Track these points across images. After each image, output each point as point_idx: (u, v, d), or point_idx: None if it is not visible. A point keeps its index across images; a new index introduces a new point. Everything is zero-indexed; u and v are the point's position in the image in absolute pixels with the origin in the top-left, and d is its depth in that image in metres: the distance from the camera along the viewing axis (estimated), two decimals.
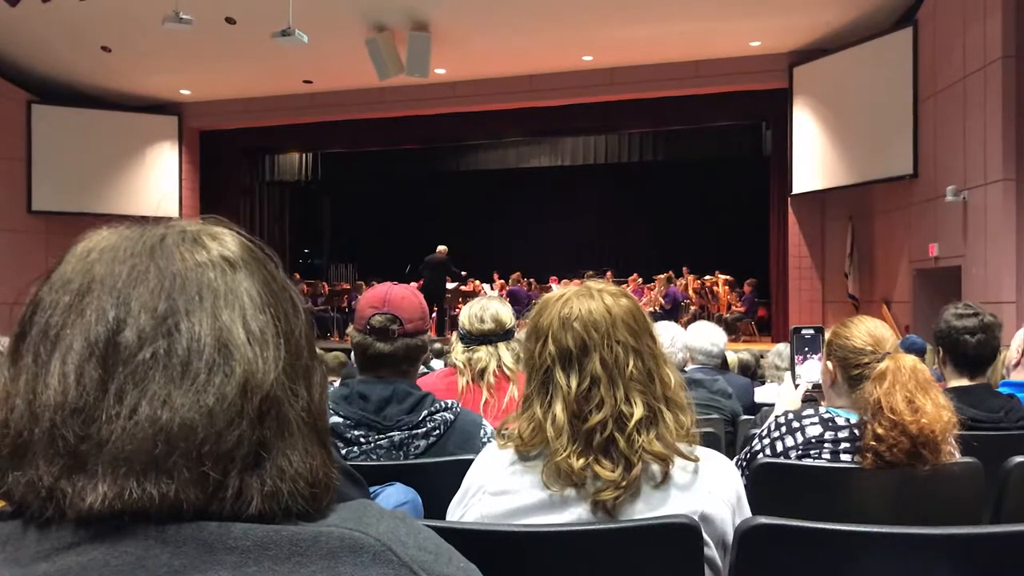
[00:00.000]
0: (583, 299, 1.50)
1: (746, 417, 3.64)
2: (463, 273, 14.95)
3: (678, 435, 1.44)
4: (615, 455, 1.40)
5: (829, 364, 2.24)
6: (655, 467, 1.41)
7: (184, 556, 0.62)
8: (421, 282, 13.50)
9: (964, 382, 2.74)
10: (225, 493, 0.64)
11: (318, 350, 0.78)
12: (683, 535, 1.36)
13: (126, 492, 0.62)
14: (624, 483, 1.38)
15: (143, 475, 0.62)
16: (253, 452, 0.66)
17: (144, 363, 0.64)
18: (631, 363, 1.44)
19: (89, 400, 0.63)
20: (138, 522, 0.62)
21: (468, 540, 1.35)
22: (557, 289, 1.59)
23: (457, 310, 12.16)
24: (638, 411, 1.41)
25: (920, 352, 4.85)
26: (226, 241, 0.74)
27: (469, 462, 1.61)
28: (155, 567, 0.61)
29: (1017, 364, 3.15)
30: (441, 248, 14.09)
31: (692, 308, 14.23)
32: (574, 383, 1.43)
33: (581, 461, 1.39)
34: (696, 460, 1.45)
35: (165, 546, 0.62)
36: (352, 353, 2.32)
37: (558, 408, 1.43)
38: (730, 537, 1.46)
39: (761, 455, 2.17)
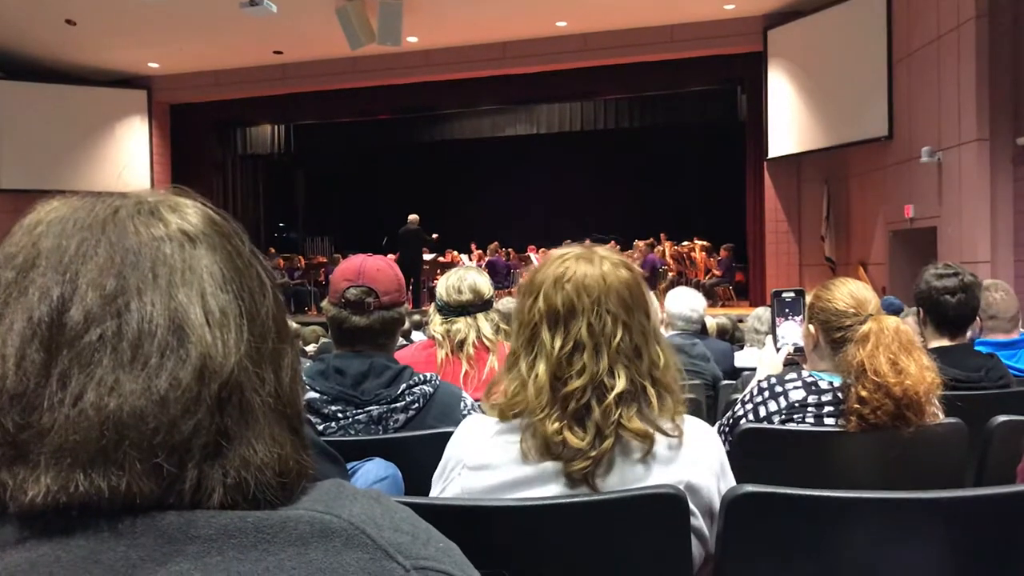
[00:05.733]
0: (582, 262, 1.46)
1: (727, 382, 3.65)
2: (435, 236, 14.73)
3: (661, 414, 1.41)
4: (588, 425, 1.37)
5: (811, 327, 2.22)
6: (635, 444, 1.38)
7: (142, 548, 0.57)
8: (398, 255, 13.40)
9: (945, 342, 2.74)
10: (183, 486, 0.60)
11: (295, 325, 0.73)
12: (669, 505, 1.33)
13: (71, 485, 0.57)
14: (594, 453, 1.35)
15: (90, 467, 0.57)
16: (213, 442, 0.61)
17: (90, 345, 0.59)
18: (619, 335, 1.40)
19: (30, 385, 0.59)
20: (88, 515, 0.58)
21: (448, 516, 1.32)
22: (560, 249, 1.55)
23: (435, 281, 12.11)
24: (620, 384, 1.37)
25: (897, 313, 4.86)
26: (187, 213, 0.68)
27: (449, 435, 1.57)
28: (110, 561, 0.57)
29: (982, 331, 3.17)
30: (412, 217, 13.85)
31: (670, 275, 14.25)
32: (558, 344, 1.40)
33: (555, 425, 1.36)
34: (680, 435, 1.43)
35: (120, 538, 0.58)
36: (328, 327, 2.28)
37: (541, 368, 1.40)
38: (716, 506, 1.43)
39: (744, 420, 2.15)
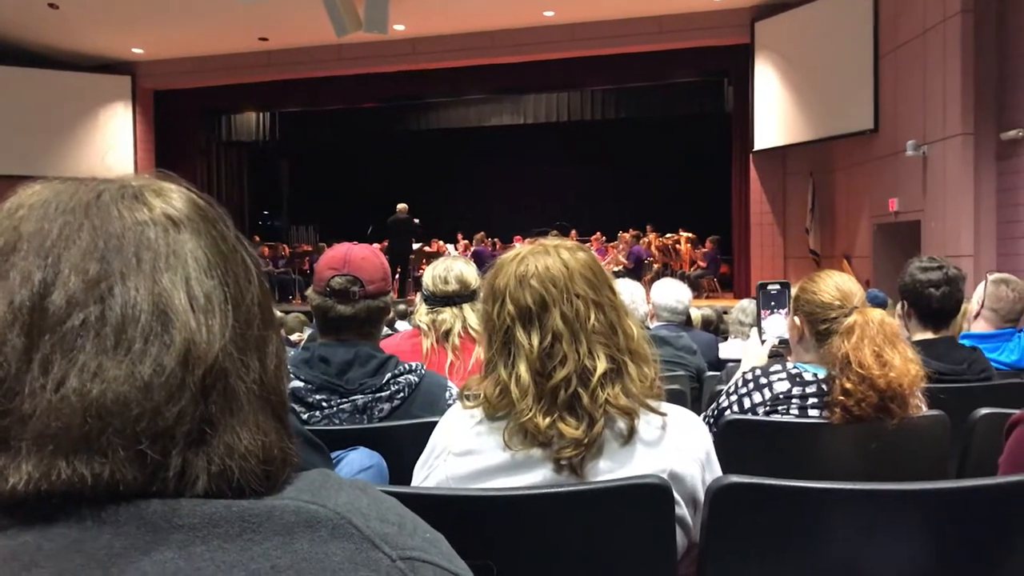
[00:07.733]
0: (539, 256, 1.46)
1: (711, 373, 3.65)
2: (416, 221, 14.64)
3: (642, 388, 1.42)
4: (579, 412, 1.37)
5: (796, 319, 2.22)
6: (621, 423, 1.39)
7: (125, 537, 0.57)
8: (386, 243, 13.36)
9: (928, 335, 2.76)
10: (167, 473, 0.59)
11: (278, 313, 0.72)
12: (653, 495, 1.34)
13: (53, 472, 0.56)
14: (586, 440, 1.36)
15: (72, 454, 0.56)
16: (197, 429, 0.60)
17: (73, 331, 0.58)
18: (592, 316, 1.41)
19: (11, 371, 0.58)
20: (71, 503, 0.57)
21: (433, 506, 1.32)
22: (510, 251, 1.55)
23: (421, 271, 12.07)
24: (601, 365, 1.38)
25: (881, 306, 4.88)
26: (172, 198, 0.67)
27: (434, 424, 1.57)
28: (93, 549, 0.56)
29: (977, 316, 3.18)
30: (401, 206, 13.78)
31: (655, 266, 14.28)
32: (535, 341, 1.40)
33: (547, 420, 1.36)
34: (663, 415, 1.43)
35: (104, 527, 0.57)
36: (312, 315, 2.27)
37: (522, 368, 1.40)
38: (700, 494, 1.44)
39: (729, 411, 2.16)
